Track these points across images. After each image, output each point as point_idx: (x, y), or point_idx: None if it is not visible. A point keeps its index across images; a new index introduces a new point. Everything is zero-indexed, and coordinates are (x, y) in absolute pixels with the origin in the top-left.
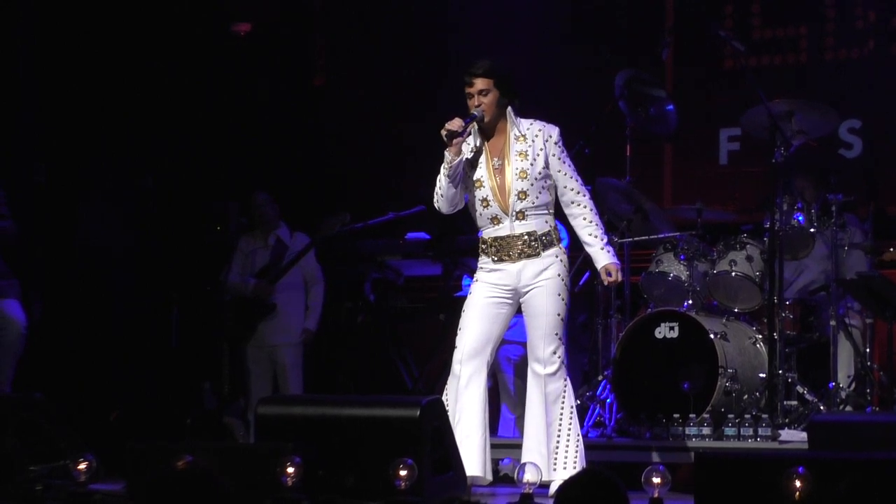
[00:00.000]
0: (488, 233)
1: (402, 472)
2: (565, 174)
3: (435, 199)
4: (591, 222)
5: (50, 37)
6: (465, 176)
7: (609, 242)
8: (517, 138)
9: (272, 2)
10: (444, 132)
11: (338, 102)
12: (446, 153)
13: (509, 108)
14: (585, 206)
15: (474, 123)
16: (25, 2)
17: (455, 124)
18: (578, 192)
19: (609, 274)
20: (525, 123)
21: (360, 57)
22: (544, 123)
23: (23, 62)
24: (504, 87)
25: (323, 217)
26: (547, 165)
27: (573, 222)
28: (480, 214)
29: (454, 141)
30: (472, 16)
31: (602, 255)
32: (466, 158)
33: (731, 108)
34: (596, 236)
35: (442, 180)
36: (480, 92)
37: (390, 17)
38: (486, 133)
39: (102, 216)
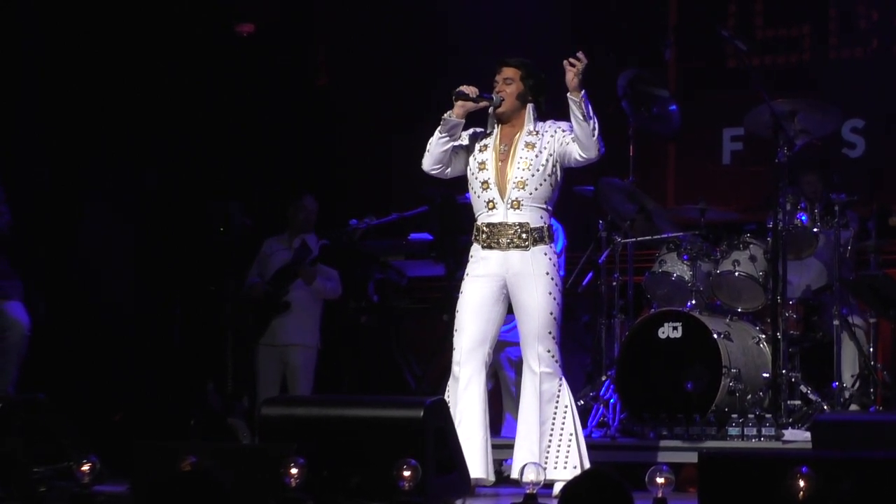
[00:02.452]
0: (482, 218)
1: (406, 473)
2: (566, 131)
3: (424, 157)
4: None
5: (53, 36)
6: (462, 151)
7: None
8: (530, 133)
9: (275, 2)
10: (455, 91)
11: (340, 102)
12: (448, 112)
13: (531, 106)
14: None
15: (491, 107)
16: (28, 1)
17: (470, 89)
18: None
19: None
20: (541, 123)
21: (363, 57)
22: (556, 121)
23: (25, 62)
24: (529, 82)
25: (347, 220)
26: (554, 159)
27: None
28: (478, 197)
29: (461, 102)
30: (474, 15)
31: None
32: (474, 137)
33: (734, 108)
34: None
35: (434, 136)
36: (506, 80)
37: (392, 18)
38: (503, 122)
39: (105, 216)
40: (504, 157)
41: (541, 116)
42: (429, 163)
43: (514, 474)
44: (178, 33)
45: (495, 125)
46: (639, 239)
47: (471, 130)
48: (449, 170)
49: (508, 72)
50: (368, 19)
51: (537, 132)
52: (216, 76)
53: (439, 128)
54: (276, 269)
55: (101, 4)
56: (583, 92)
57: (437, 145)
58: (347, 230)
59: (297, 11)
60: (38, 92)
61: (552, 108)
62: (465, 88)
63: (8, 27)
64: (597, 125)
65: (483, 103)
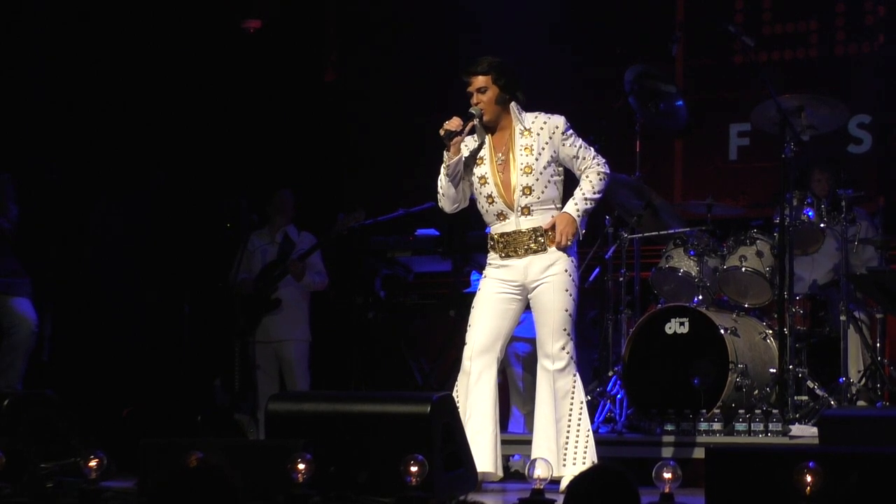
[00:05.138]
0: (495, 229)
1: (413, 469)
2: (576, 156)
3: (438, 199)
4: (583, 181)
5: (60, 34)
6: (467, 174)
7: (587, 204)
8: (522, 133)
9: None
10: (442, 132)
11: (348, 98)
12: (445, 153)
13: (513, 104)
14: (591, 169)
15: (475, 121)
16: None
17: (453, 124)
18: (593, 159)
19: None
20: (530, 117)
21: (371, 53)
22: (549, 115)
23: (31, 60)
24: (503, 83)
25: (338, 215)
26: (554, 160)
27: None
28: (487, 211)
29: (453, 141)
30: (483, 11)
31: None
32: (470, 154)
33: (740, 104)
34: (574, 197)
35: (442, 180)
36: (479, 90)
37: (401, 13)
38: (490, 129)
39: (114, 214)
40: (503, 166)
41: (525, 107)
42: (448, 204)
43: None
44: (187, 30)
45: (485, 135)
46: (645, 234)
47: (464, 147)
48: (467, 201)
49: (479, 81)
50: (376, 14)
51: (530, 130)
52: (222, 73)
53: (443, 171)
54: (263, 266)
55: (108, 2)
56: (579, 227)
57: (448, 187)
58: (337, 225)
59: (304, 7)
60: (45, 91)
61: (546, 106)
62: (449, 126)
63: (15, 25)
64: (598, 194)
65: (470, 125)
